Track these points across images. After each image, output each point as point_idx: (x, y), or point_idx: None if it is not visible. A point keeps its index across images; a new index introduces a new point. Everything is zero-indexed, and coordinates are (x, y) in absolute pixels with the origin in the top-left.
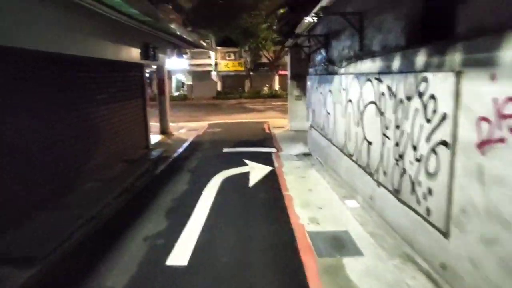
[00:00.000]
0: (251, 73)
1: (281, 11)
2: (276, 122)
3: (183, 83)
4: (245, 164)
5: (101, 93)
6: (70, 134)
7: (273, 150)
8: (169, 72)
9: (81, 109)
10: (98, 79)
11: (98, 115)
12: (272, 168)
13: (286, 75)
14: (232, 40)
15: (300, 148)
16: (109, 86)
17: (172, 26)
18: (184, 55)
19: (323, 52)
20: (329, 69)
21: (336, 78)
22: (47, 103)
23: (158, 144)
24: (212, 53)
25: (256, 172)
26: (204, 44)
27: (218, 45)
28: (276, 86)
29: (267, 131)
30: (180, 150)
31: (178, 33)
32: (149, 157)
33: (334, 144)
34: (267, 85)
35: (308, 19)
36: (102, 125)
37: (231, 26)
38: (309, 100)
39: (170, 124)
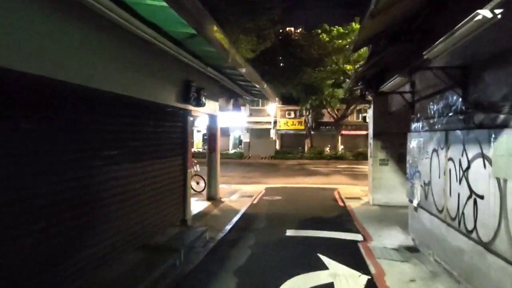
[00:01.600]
0: (312, 132)
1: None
2: (348, 190)
3: (240, 141)
4: (323, 266)
5: (112, 147)
6: (44, 211)
7: (358, 237)
8: (227, 129)
9: (70, 169)
10: (106, 124)
11: (103, 179)
12: (369, 277)
13: (350, 135)
14: (293, 98)
15: (397, 236)
16: (126, 137)
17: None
18: (242, 107)
19: (451, 95)
20: (475, 119)
21: (504, 134)
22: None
23: (201, 215)
24: (271, 111)
25: (345, 286)
26: (269, 91)
27: (278, 102)
28: (339, 147)
29: (340, 203)
30: (228, 227)
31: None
32: (181, 241)
33: (492, 251)
34: (329, 145)
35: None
36: (110, 194)
37: (294, 81)
38: (414, 167)
39: (221, 185)
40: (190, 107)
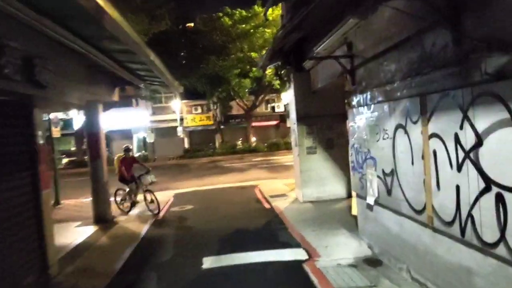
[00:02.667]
0: (222, 126)
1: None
2: (270, 186)
3: (145, 142)
4: None
5: None
6: None
7: (300, 254)
8: (129, 130)
9: None
10: None
11: None
12: None
13: (261, 126)
14: (198, 92)
15: (347, 244)
16: None
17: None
18: (137, 102)
19: (430, 39)
20: (487, 67)
21: None
22: None
23: (79, 252)
24: (176, 107)
25: None
26: (170, 77)
27: (183, 97)
28: (252, 139)
29: (265, 204)
30: (117, 266)
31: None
32: None
33: None
34: (241, 139)
35: None
36: None
37: (197, 72)
38: (363, 153)
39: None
40: (24, 90)
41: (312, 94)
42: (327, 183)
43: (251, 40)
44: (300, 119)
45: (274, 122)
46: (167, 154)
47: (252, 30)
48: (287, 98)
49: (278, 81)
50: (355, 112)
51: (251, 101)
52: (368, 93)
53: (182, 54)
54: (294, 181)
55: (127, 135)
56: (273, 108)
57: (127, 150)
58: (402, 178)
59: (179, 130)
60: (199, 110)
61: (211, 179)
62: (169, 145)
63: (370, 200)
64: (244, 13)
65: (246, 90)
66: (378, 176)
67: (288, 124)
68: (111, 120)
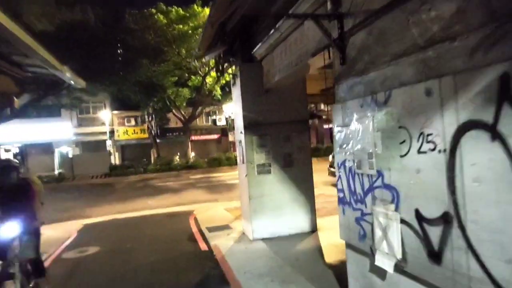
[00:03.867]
0: (158, 140)
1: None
2: (209, 211)
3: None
4: None
5: None
6: None
7: None
8: (50, 144)
9: None
10: None
11: None
12: None
13: (200, 140)
14: (131, 102)
15: None
16: None
17: None
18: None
19: None
20: None
21: None
22: None
23: None
24: (106, 118)
25: None
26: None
27: (114, 108)
28: (190, 154)
29: (201, 243)
30: None
31: None
32: None
33: None
34: (178, 154)
35: None
36: None
37: (128, 78)
38: (374, 176)
39: None
40: None
41: (265, 94)
42: (285, 212)
43: (190, 42)
44: (248, 126)
45: (215, 136)
46: (89, 171)
47: (190, 32)
48: (233, 99)
49: (219, 91)
50: (348, 107)
51: (190, 113)
52: (375, 73)
53: (110, 56)
54: (241, 209)
55: (47, 149)
56: (214, 121)
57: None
58: (482, 233)
59: (108, 144)
60: (133, 122)
61: (138, 202)
62: (92, 161)
63: (385, 262)
64: (181, 11)
65: (184, 99)
66: (405, 221)
67: (231, 137)
68: (26, 131)
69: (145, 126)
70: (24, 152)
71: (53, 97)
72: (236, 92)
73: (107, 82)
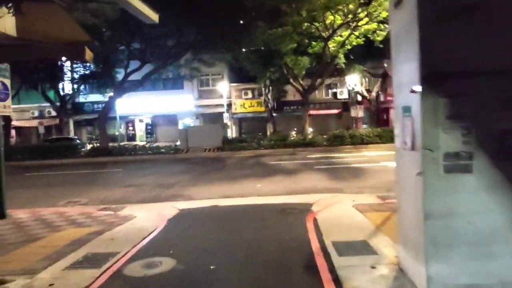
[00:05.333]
0: (275, 114)
1: None
2: (333, 210)
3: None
4: None
5: None
6: None
7: None
8: (174, 116)
9: None
10: None
11: None
12: None
13: (318, 115)
14: (248, 74)
15: None
16: None
17: None
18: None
19: None
20: None
21: None
22: None
23: None
24: (224, 91)
25: None
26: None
27: (232, 80)
28: (308, 130)
29: (325, 274)
30: None
31: None
32: None
33: None
34: (295, 129)
35: None
36: None
37: (243, 43)
38: None
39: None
40: None
41: (465, 15)
42: (498, 250)
43: (312, 2)
44: (430, 79)
45: (335, 111)
46: (202, 144)
47: None
48: (394, 35)
49: (342, 58)
50: None
51: (309, 84)
52: None
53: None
54: (396, 226)
55: (171, 121)
56: (334, 94)
57: None
58: None
59: (226, 117)
60: (250, 95)
61: (245, 185)
62: (206, 133)
63: None
64: None
65: (303, 68)
66: None
67: (353, 112)
68: (154, 103)
69: (262, 99)
70: (154, 123)
71: (173, 68)
72: (403, 17)
73: (222, 49)
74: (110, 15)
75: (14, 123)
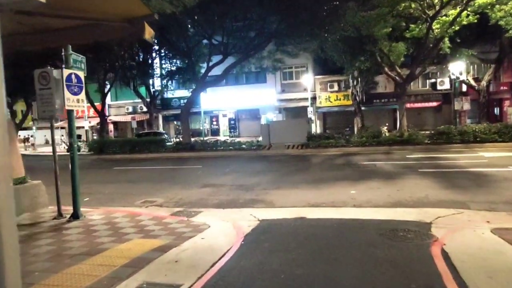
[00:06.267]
0: (363, 108)
1: None
2: (466, 237)
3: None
4: None
5: None
6: None
7: None
8: (256, 110)
9: None
10: None
11: None
12: None
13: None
14: (334, 65)
15: None
16: None
17: None
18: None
19: None
20: None
21: None
22: None
23: None
24: (308, 83)
25: None
26: None
27: (317, 73)
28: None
29: None
30: None
31: None
32: None
33: None
34: (387, 124)
35: None
36: None
37: (329, 29)
38: None
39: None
40: None
41: None
42: None
43: None
44: None
45: (433, 104)
46: (286, 140)
47: None
48: None
49: (447, 43)
50: None
51: (404, 74)
52: None
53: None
54: None
55: (254, 115)
56: (433, 84)
57: None
58: None
59: (310, 111)
60: (335, 87)
61: (336, 191)
62: (289, 129)
63: None
64: None
65: (401, 54)
66: None
67: (457, 105)
68: (237, 97)
69: (349, 91)
70: (237, 118)
71: (255, 60)
72: None
73: (307, 37)
74: (188, 2)
75: (112, 118)
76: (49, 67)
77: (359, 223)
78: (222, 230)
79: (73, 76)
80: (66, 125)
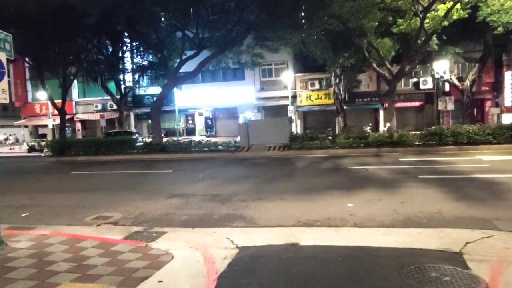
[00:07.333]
0: (345, 107)
1: None
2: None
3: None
4: None
5: None
6: None
7: None
8: (234, 109)
9: None
10: None
11: None
12: None
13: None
14: (315, 62)
15: None
16: None
17: None
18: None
19: None
20: None
21: None
22: None
23: None
24: (289, 81)
25: None
26: None
27: (297, 70)
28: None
29: None
30: None
31: None
32: None
33: None
34: (369, 124)
35: None
36: None
37: (314, 19)
38: None
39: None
40: None
41: None
42: None
43: None
44: None
45: (415, 104)
46: (266, 141)
47: None
48: None
49: (435, 40)
50: None
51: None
52: None
53: None
54: None
55: (232, 114)
56: (416, 84)
57: None
58: None
59: (290, 110)
60: (316, 86)
61: (329, 203)
62: (271, 128)
63: None
64: None
65: (391, 49)
66: None
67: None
68: (214, 95)
69: (331, 90)
70: (214, 117)
71: (233, 55)
72: None
73: (288, 30)
74: None
75: (79, 116)
76: None
77: (370, 254)
78: (188, 265)
79: None
80: (29, 123)
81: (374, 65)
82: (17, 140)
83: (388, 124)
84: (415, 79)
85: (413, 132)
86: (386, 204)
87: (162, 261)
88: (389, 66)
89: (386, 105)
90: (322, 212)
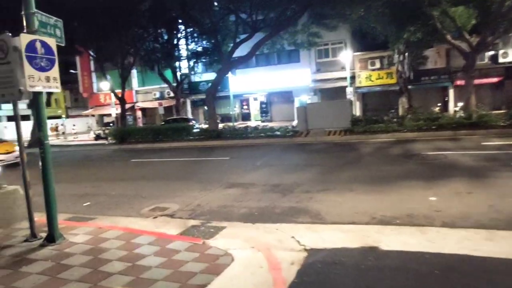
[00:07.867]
0: (409, 86)
1: None
2: None
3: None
4: None
5: None
6: None
7: None
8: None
9: None
10: None
11: None
12: None
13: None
14: (377, 39)
15: None
16: None
17: None
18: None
19: None
20: None
21: None
22: None
23: None
24: (347, 61)
25: None
26: None
27: (356, 49)
28: (452, 105)
29: None
30: None
31: None
32: None
33: None
34: (438, 105)
35: None
36: None
37: None
38: None
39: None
40: None
41: None
42: None
43: None
44: None
45: (492, 79)
46: (325, 125)
47: None
48: None
49: None
50: None
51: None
52: None
53: None
54: None
55: (286, 98)
56: (493, 57)
57: None
58: None
59: (349, 92)
60: (377, 65)
61: (408, 196)
62: (331, 112)
63: None
64: None
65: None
66: None
67: None
68: (268, 79)
69: (393, 69)
70: (269, 101)
71: (288, 36)
72: None
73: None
74: None
75: (139, 104)
76: (7, 33)
77: (476, 267)
78: (251, 271)
79: (37, 44)
80: (95, 113)
81: (449, 37)
82: (89, 128)
83: (460, 104)
84: (492, 52)
85: (497, 112)
86: (479, 199)
87: (221, 264)
88: (468, 37)
89: (457, 82)
90: (401, 207)
